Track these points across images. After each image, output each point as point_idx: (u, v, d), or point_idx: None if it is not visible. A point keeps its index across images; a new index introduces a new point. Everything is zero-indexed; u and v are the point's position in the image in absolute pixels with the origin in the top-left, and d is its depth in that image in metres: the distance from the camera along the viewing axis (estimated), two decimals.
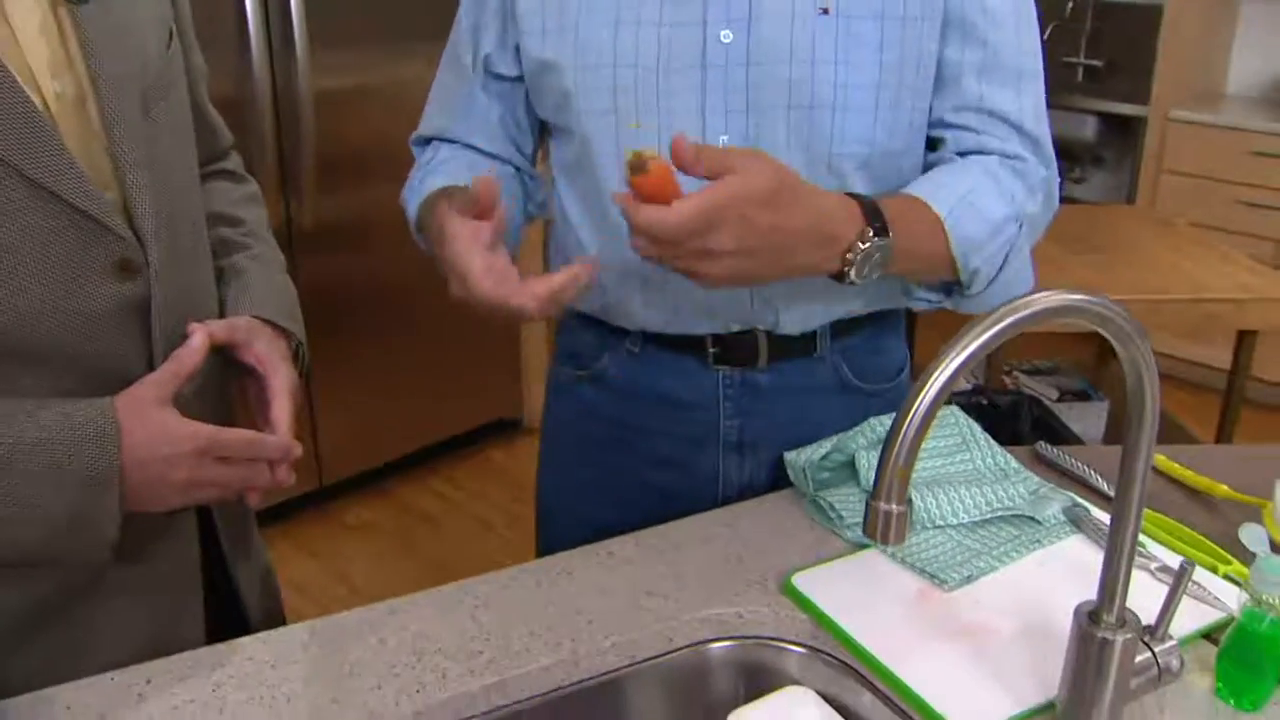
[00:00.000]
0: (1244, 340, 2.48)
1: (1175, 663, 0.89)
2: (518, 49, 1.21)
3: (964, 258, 1.11)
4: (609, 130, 1.15)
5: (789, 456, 1.24)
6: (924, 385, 0.68)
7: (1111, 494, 1.25)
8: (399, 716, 0.94)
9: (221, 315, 1.15)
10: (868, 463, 1.19)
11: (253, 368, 1.13)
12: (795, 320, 1.23)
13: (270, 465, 1.06)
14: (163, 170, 1.05)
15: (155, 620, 1.09)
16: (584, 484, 1.37)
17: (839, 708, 1.03)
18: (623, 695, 1.04)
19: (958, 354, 0.67)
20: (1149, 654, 0.88)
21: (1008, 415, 1.61)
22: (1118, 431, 1.35)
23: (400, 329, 3.26)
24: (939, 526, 1.15)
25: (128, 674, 0.99)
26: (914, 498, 1.15)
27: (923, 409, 0.67)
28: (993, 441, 1.24)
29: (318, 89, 2.87)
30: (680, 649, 1.06)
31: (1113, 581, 0.82)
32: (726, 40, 1.09)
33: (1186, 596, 1.05)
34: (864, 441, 1.23)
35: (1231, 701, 0.94)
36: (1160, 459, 1.33)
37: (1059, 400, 2.44)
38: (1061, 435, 1.63)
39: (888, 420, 1.27)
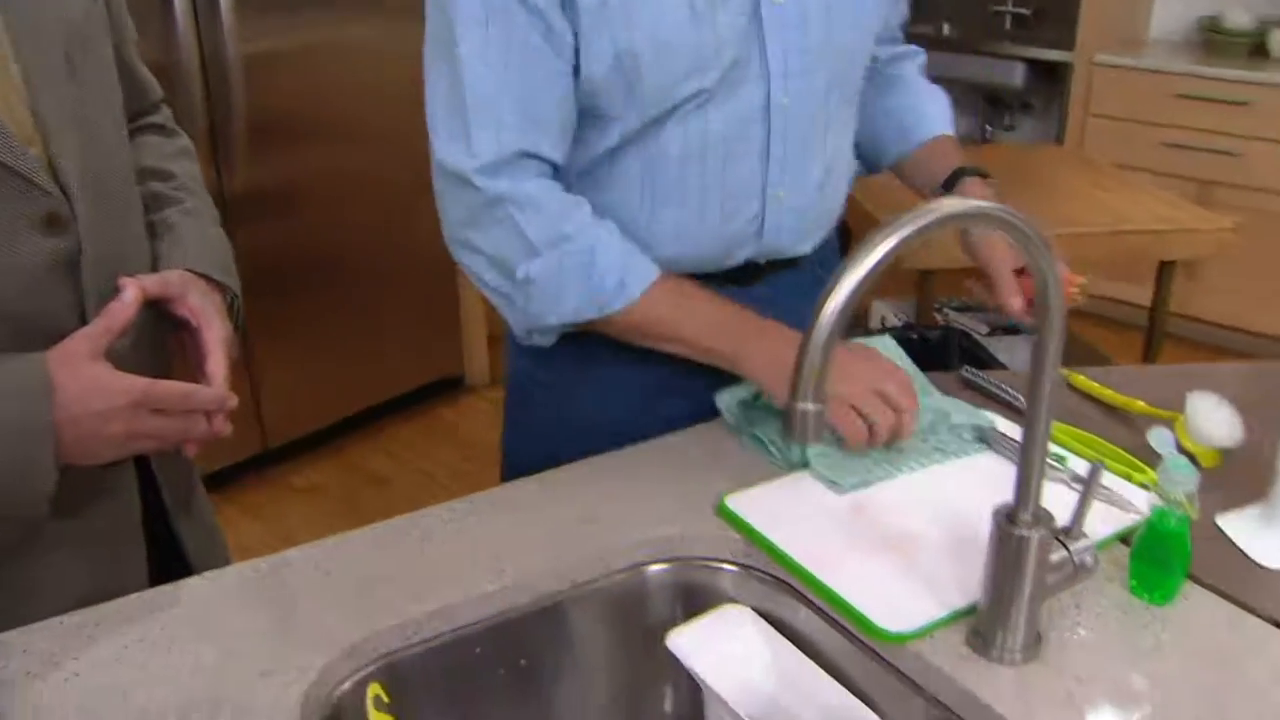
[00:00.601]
0: (1165, 271, 2.55)
1: (1090, 560, 0.93)
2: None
3: None
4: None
5: (720, 396, 1.27)
6: (835, 287, 0.70)
7: None
8: (344, 644, 0.96)
9: (154, 270, 1.16)
10: None
11: (187, 321, 1.14)
12: (805, 243, 1.33)
13: (207, 417, 1.07)
14: (89, 126, 1.05)
15: (96, 574, 1.10)
16: (558, 425, 1.39)
17: (774, 623, 1.07)
18: (564, 618, 1.07)
19: (868, 256, 0.70)
20: (1065, 552, 0.92)
21: (937, 348, 1.65)
22: None
23: (339, 291, 3.25)
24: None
25: (77, 617, 1.00)
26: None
27: (836, 307, 0.70)
28: (918, 371, 1.28)
29: (246, 53, 2.84)
30: (618, 572, 1.09)
31: (1027, 480, 0.86)
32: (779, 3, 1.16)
33: (1103, 503, 1.10)
34: None
35: (1144, 596, 0.99)
36: (1080, 379, 1.38)
37: (989, 335, 2.50)
38: (988, 365, 1.67)
39: None
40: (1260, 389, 1.23)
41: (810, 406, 0.73)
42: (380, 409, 3.48)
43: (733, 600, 1.10)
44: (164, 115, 1.34)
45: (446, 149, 1.14)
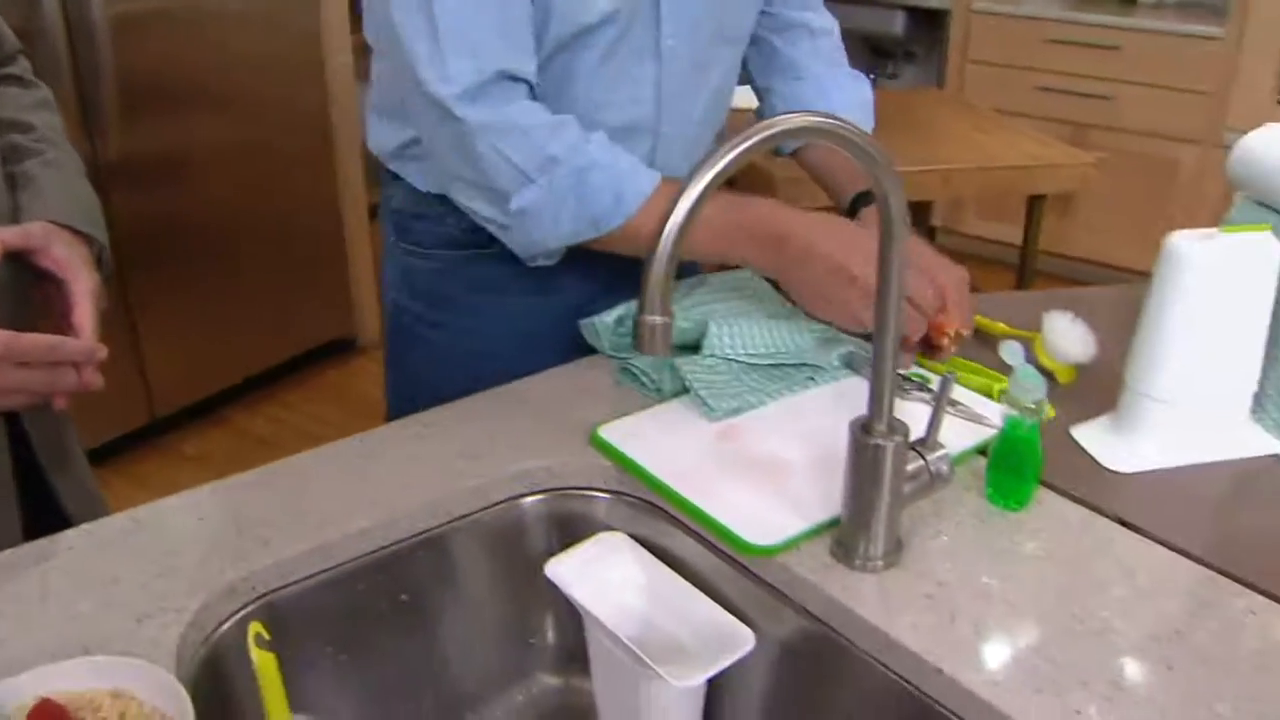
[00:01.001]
0: (1034, 206, 2.63)
1: (945, 468, 0.97)
2: None
3: None
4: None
5: (584, 322, 1.28)
6: (678, 199, 0.72)
7: None
8: (223, 584, 0.97)
9: (16, 222, 1.13)
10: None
11: (52, 273, 1.12)
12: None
13: (76, 369, 1.06)
14: None
15: None
16: (440, 359, 1.40)
17: (650, 547, 1.09)
18: (443, 552, 1.09)
19: (710, 167, 0.72)
20: (921, 461, 0.96)
21: None
22: None
23: (224, 257, 3.20)
24: (725, 358, 1.21)
25: None
26: (711, 326, 1.21)
27: (678, 222, 0.72)
28: (785, 300, 1.31)
29: (113, 14, 2.76)
30: (495, 505, 1.11)
31: (880, 391, 0.89)
32: None
33: (962, 419, 1.15)
34: None
35: (1000, 503, 1.03)
36: None
37: None
38: None
39: (685, 283, 1.33)
40: (1114, 311, 1.29)
41: (658, 320, 0.75)
42: (271, 374, 3.44)
43: (609, 527, 1.12)
44: (21, 67, 1.31)
45: (426, 81, 1.13)
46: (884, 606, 0.92)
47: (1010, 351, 1.02)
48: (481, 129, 1.13)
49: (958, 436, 1.11)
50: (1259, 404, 1.15)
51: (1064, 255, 3.92)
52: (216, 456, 3.17)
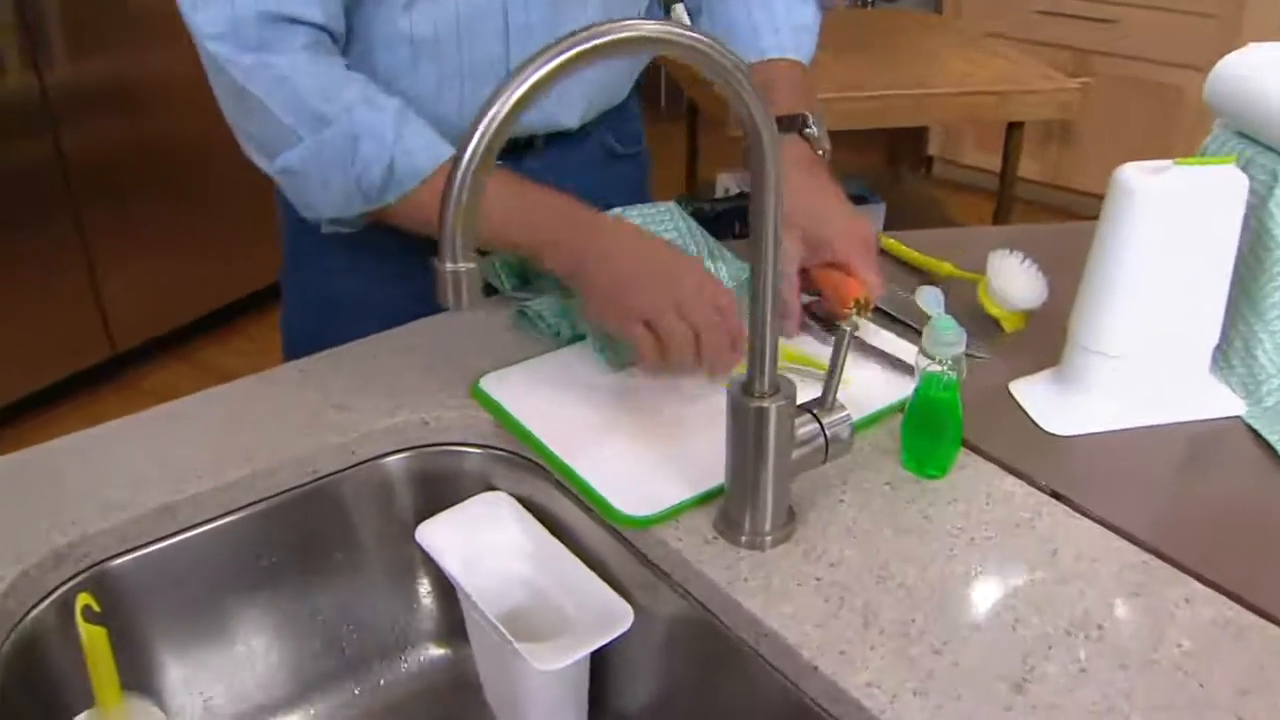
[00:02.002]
0: (1012, 133, 2.48)
1: (845, 433, 0.85)
2: None
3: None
4: None
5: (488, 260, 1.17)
6: (484, 113, 0.60)
7: None
8: (49, 550, 0.86)
9: None
10: None
11: None
12: (569, 116, 1.20)
13: None
14: None
15: None
16: (333, 306, 1.28)
17: (533, 509, 0.98)
18: (304, 513, 0.98)
19: (522, 81, 0.59)
20: (814, 424, 0.84)
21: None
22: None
23: (182, 188, 3.07)
24: None
25: None
26: None
27: (485, 139, 0.60)
28: (708, 235, 1.18)
29: None
30: (363, 462, 1.00)
31: (759, 347, 0.77)
32: None
33: (888, 370, 1.03)
34: None
35: (916, 470, 0.92)
36: (886, 239, 1.29)
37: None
38: None
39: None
40: (1074, 248, 1.15)
41: (461, 267, 0.62)
42: (234, 307, 3.33)
43: (491, 487, 1.01)
44: None
45: (184, 13, 1.00)
46: (765, 590, 0.80)
47: (929, 298, 0.89)
48: (246, 74, 0.99)
49: (881, 390, 1.00)
50: (1221, 359, 1.03)
51: (1065, 188, 3.76)
52: (179, 392, 3.06)
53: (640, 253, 1.01)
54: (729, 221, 1.40)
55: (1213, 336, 1.00)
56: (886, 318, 1.13)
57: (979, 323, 1.11)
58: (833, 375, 0.83)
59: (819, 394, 0.85)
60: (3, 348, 2.74)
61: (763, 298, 0.75)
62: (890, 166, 2.90)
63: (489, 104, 0.60)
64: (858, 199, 2.44)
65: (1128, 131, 3.56)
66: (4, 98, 2.64)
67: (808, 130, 1.13)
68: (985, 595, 0.80)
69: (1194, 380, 1.01)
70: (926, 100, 2.20)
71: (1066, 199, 3.77)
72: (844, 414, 0.85)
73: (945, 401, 0.89)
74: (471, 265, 0.62)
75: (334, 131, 1.01)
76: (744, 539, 0.84)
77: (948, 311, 1.07)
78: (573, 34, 0.60)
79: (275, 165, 1.05)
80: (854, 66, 2.32)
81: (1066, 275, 1.10)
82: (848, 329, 0.81)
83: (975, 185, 3.81)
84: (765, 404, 0.78)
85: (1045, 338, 1.10)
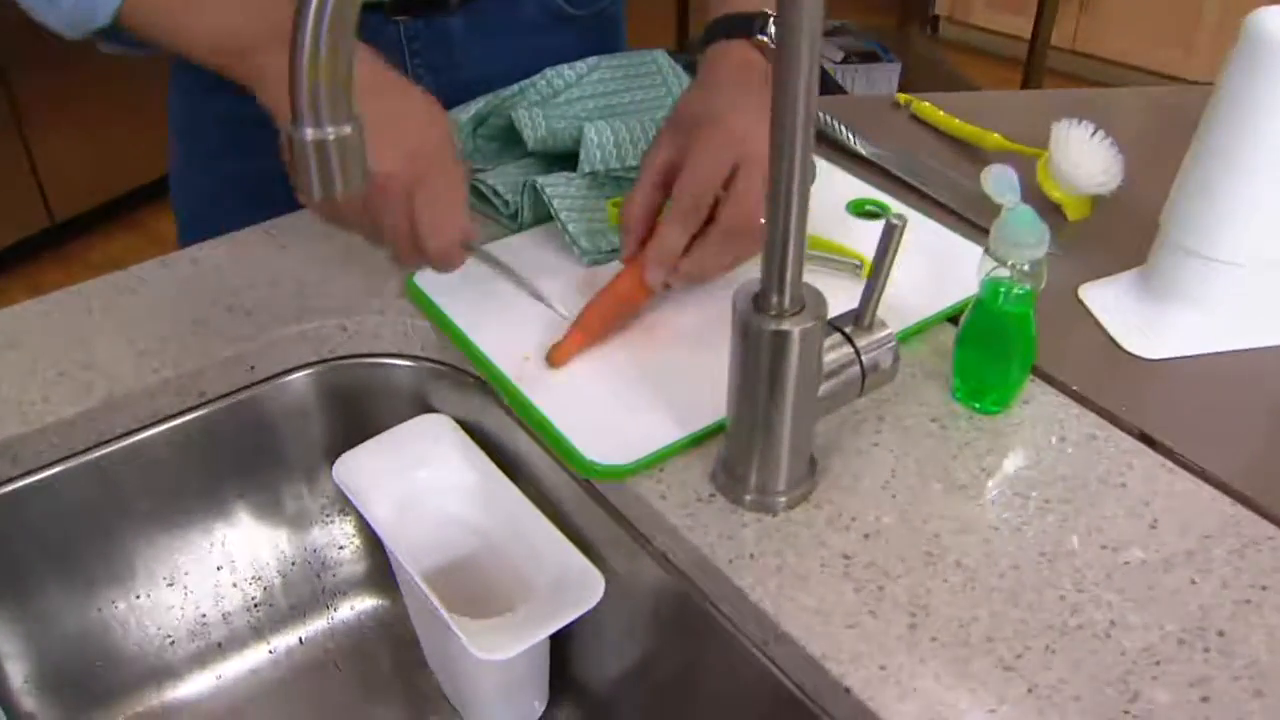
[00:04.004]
0: None
1: (887, 359, 0.64)
2: None
3: None
4: None
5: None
6: None
7: (862, 150, 1.00)
8: None
9: None
10: (530, 122, 0.90)
11: None
12: None
13: None
14: None
15: None
16: (230, 187, 1.04)
17: (484, 440, 0.78)
18: (187, 452, 0.77)
19: None
20: (848, 348, 0.63)
21: None
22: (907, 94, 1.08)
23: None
24: (611, 174, 0.87)
25: None
26: (589, 131, 0.86)
27: None
28: None
29: None
30: (266, 380, 0.79)
31: (780, 244, 0.56)
32: None
33: (939, 272, 0.82)
34: (535, 96, 0.94)
35: (969, 403, 0.71)
36: (922, 105, 1.07)
37: (843, 62, 2.14)
38: (831, 92, 1.35)
39: (571, 69, 0.97)
40: (1151, 121, 0.94)
41: (328, 133, 0.41)
42: None
43: (428, 409, 0.81)
44: None
45: None
46: (777, 572, 0.60)
47: (999, 181, 0.67)
48: None
49: (925, 292, 0.79)
50: None
51: (1088, 54, 3.48)
52: (125, 262, 2.84)
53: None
54: None
55: None
56: (937, 206, 0.91)
57: (1035, 209, 0.90)
58: (875, 282, 0.62)
59: (845, 302, 0.64)
60: None
61: (786, 179, 0.53)
62: (900, 28, 2.63)
63: None
64: (870, 56, 2.18)
65: None
66: None
67: (765, 34, 0.81)
68: (1066, 585, 0.60)
69: None
70: None
71: (1090, 67, 3.49)
72: (886, 334, 0.64)
73: (1015, 318, 0.68)
74: (345, 130, 0.40)
75: None
76: (749, 498, 0.64)
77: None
78: None
79: None
80: None
81: (1137, 152, 0.89)
82: (898, 222, 0.59)
83: (987, 49, 3.53)
84: (785, 325, 0.57)
85: (1118, 230, 0.89)
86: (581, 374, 0.72)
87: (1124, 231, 0.87)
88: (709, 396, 0.68)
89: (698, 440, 0.67)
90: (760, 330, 0.58)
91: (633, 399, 0.70)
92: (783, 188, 0.53)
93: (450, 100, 0.95)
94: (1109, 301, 0.82)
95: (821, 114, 1.01)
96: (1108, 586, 0.59)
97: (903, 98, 1.10)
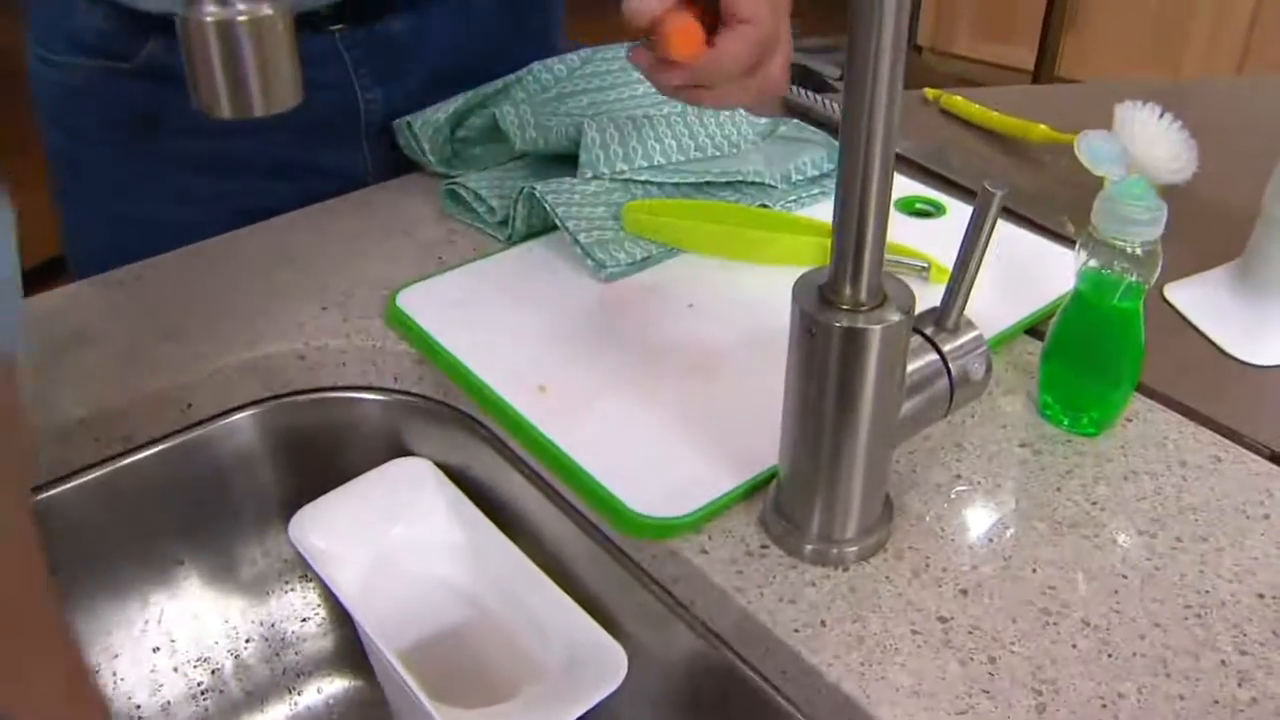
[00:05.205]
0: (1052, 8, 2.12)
1: (979, 368, 0.52)
2: None
3: None
4: None
5: (400, 123, 0.82)
6: None
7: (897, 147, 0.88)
8: None
9: None
10: (518, 120, 0.77)
11: None
12: None
13: None
14: None
15: None
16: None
17: (474, 489, 0.65)
18: (112, 510, 0.63)
19: None
20: (933, 354, 0.50)
21: None
22: None
23: None
24: (620, 178, 0.75)
25: None
26: (589, 130, 0.75)
27: None
28: None
29: None
30: (207, 420, 0.65)
31: (857, 216, 0.43)
32: None
33: (1012, 276, 0.69)
34: (521, 94, 0.83)
35: (1063, 423, 0.59)
36: (956, 100, 0.96)
37: (840, 80, 2.05)
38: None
39: (561, 62, 0.86)
40: (1195, 111, 0.83)
41: (239, 10, 0.28)
42: None
43: (405, 453, 0.67)
44: None
45: None
46: (856, 642, 0.47)
47: (1096, 150, 0.55)
48: None
49: (993, 305, 0.66)
50: None
51: (1067, 80, 3.40)
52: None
53: None
54: None
55: None
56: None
57: None
58: (964, 271, 0.49)
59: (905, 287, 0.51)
60: None
61: (869, 119, 0.41)
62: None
63: None
64: None
65: (1139, 18, 3.19)
66: None
67: None
68: (1226, 646, 0.47)
69: None
70: None
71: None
72: (974, 336, 0.51)
73: (1123, 316, 0.56)
74: (265, 10, 0.27)
75: None
76: (810, 548, 0.51)
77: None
78: None
79: None
80: None
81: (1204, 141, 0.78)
82: (995, 190, 0.46)
83: (970, 78, 3.44)
84: (861, 322, 0.44)
85: (1197, 223, 0.77)
86: (606, 410, 0.59)
87: (1204, 224, 0.75)
88: (760, 437, 0.55)
89: (751, 490, 0.54)
90: (829, 328, 0.45)
91: (675, 439, 0.57)
92: (861, 131, 0.40)
93: (403, 113, 0.83)
94: (1203, 301, 0.69)
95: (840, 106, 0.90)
96: (1277, 646, 0.47)
97: (931, 93, 0.98)
